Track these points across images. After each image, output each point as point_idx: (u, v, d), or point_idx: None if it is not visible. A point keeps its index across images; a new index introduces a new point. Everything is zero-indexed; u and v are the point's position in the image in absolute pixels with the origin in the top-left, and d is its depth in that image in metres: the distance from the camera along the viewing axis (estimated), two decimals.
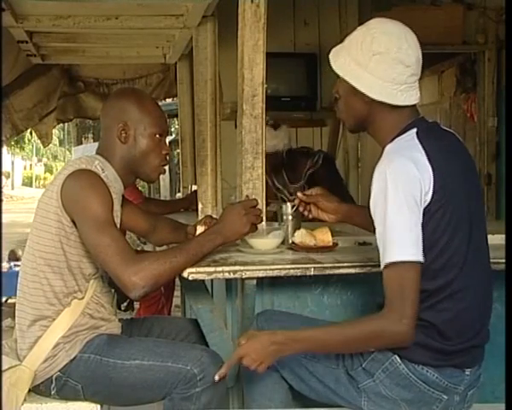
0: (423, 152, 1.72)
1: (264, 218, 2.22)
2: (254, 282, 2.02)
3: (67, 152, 33.30)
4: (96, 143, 2.30)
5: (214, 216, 2.51)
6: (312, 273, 1.98)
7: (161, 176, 2.29)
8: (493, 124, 4.13)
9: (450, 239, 1.72)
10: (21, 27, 3.39)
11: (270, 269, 1.97)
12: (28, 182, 40.36)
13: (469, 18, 4.04)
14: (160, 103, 3.00)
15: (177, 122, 7.98)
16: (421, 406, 1.79)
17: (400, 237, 1.67)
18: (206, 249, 1.98)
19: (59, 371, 2.00)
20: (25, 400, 1.99)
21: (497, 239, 2.10)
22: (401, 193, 1.67)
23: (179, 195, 5.10)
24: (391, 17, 1.85)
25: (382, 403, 1.81)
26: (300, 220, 2.35)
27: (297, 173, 3.69)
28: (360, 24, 1.87)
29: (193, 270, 1.93)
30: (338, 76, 1.85)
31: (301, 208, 2.28)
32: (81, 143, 23.29)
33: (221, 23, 3.17)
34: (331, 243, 2.21)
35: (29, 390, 2.01)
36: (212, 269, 1.95)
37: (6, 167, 32.00)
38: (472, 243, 1.76)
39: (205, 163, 3.21)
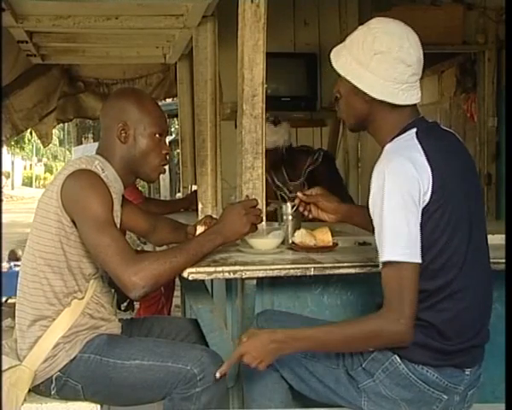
0: (422, 152, 1.73)
1: (264, 218, 2.22)
2: (254, 282, 2.02)
3: (67, 152, 33.30)
4: (96, 143, 2.30)
5: (214, 216, 2.51)
6: (312, 273, 1.98)
7: (161, 176, 2.29)
8: (493, 124, 4.13)
9: (449, 239, 1.72)
10: (21, 27, 3.39)
11: (270, 269, 1.97)
12: (28, 182, 40.36)
13: (469, 18, 4.04)
14: (160, 103, 3.00)
15: (177, 122, 7.98)
16: (421, 406, 1.79)
17: (397, 237, 1.67)
18: (206, 249, 1.98)
19: (59, 371, 2.00)
20: (25, 400, 1.99)
21: (497, 239, 2.10)
22: (399, 193, 1.67)
23: (179, 195, 5.10)
24: (391, 17, 1.85)
25: (382, 403, 1.81)
26: (300, 220, 2.35)
27: (297, 171, 3.69)
28: (360, 24, 1.87)
29: (193, 270, 1.93)
30: (339, 75, 1.85)
31: (301, 208, 2.28)
32: (81, 143, 23.28)
33: (221, 23, 3.17)
34: (331, 243, 2.21)
35: (29, 390, 2.01)
36: (212, 269, 1.95)
37: (6, 167, 32.01)
38: (472, 243, 1.76)
39: (205, 163, 3.21)
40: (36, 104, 4.99)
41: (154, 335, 2.27)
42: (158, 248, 2.66)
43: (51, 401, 2.03)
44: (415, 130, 1.78)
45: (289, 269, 1.99)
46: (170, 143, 11.23)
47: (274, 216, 2.43)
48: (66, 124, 18.78)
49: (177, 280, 2.51)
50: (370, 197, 1.74)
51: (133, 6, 3.13)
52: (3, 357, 2.01)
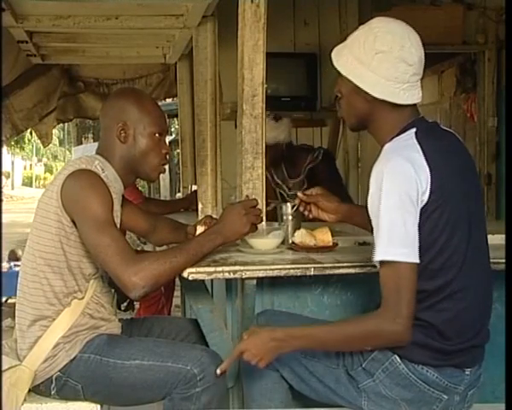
0: (421, 152, 1.73)
1: (264, 218, 2.22)
2: (254, 282, 2.02)
3: (67, 152, 33.30)
4: (96, 143, 2.30)
5: (214, 216, 2.51)
6: (312, 273, 1.98)
7: (161, 176, 2.29)
8: (493, 124, 4.12)
9: (448, 239, 1.72)
10: (21, 27, 3.39)
11: (270, 269, 1.98)
12: (28, 182, 40.36)
13: (469, 18, 4.03)
14: (160, 103, 3.00)
15: (177, 122, 7.98)
16: (421, 405, 1.79)
17: (394, 236, 1.67)
18: (206, 249, 1.98)
19: (59, 371, 2.00)
20: (25, 400, 1.99)
21: (497, 239, 2.10)
22: (396, 192, 1.67)
23: (179, 195, 5.10)
24: (391, 17, 1.85)
25: (382, 403, 1.81)
26: (300, 220, 2.35)
27: (297, 168, 3.69)
28: (360, 24, 1.87)
29: (193, 270, 1.93)
30: (340, 75, 1.85)
31: (301, 208, 2.28)
32: (81, 143, 23.27)
33: (221, 23, 3.17)
34: (331, 243, 2.21)
35: (29, 390, 2.01)
36: (212, 269, 1.95)
37: (6, 167, 32.02)
38: (471, 243, 1.76)
39: (205, 163, 3.21)
40: (36, 104, 4.99)
41: (154, 335, 2.27)
42: (158, 248, 2.66)
43: (51, 401, 2.03)
44: (414, 130, 1.78)
45: (289, 269, 1.99)
46: (170, 143, 11.23)
47: (274, 215, 2.42)
48: (66, 124, 18.78)
49: (177, 280, 2.51)
50: (369, 197, 1.74)
51: (133, 6, 3.13)
52: (3, 357, 2.01)
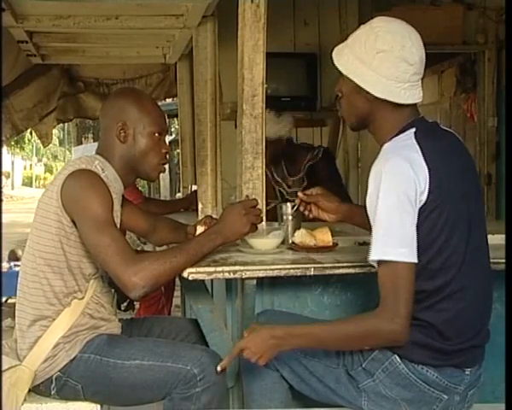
0: (420, 152, 1.73)
1: (264, 218, 2.22)
2: (254, 282, 2.02)
3: (67, 152, 33.30)
4: (96, 143, 2.30)
5: (214, 216, 2.51)
6: (312, 273, 1.98)
7: (161, 176, 2.30)
8: (493, 124, 4.12)
9: (447, 239, 1.72)
10: (21, 27, 3.39)
11: (270, 269, 1.98)
12: (28, 182, 40.36)
13: (469, 18, 4.03)
14: (160, 103, 3.00)
15: (177, 122, 7.98)
16: (421, 405, 1.79)
17: (392, 236, 1.67)
18: (206, 249, 1.98)
19: (59, 371, 2.00)
20: (25, 400, 1.99)
21: (497, 239, 2.10)
22: (395, 192, 1.67)
23: (179, 195, 5.10)
24: (391, 17, 1.85)
25: (382, 403, 1.81)
26: (300, 220, 2.35)
27: (296, 166, 3.69)
28: (360, 24, 1.87)
29: (193, 270, 1.93)
30: (341, 74, 1.85)
31: (302, 208, 2.28)
32: (81, 143, 23.28)
33: (221, 23, 3.17)
34: (331, 243, 2.21)
35: (29, 390, 2.01)
36: (212, 269, 1.95)
37: (6, 167, 32.02)
38: (470, 243, 1.76)
39: (205, 163, 3.21)
40: (36, 104, 4.99)
41: (154, 335, 2.27)
42: (158, 248, 2.66)
43: (51, 401, 2.03)
44: (413, 130, 1.78)
45: (289, 269, 1.99)
46: (170, 143, 11.23)
47: (274, 214, 2.43)
48: (66, 124, 18.78)
49: (177, 280, 2.51)
50: (367, 196, 1.75)
51: (133, 6, 3.13)
52: (3, 357, 2.01)
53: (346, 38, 1.87)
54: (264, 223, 2.22)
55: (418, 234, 1.68)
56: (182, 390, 1.95)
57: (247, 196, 2.26)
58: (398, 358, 1.77)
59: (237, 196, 2.34)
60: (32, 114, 5.01)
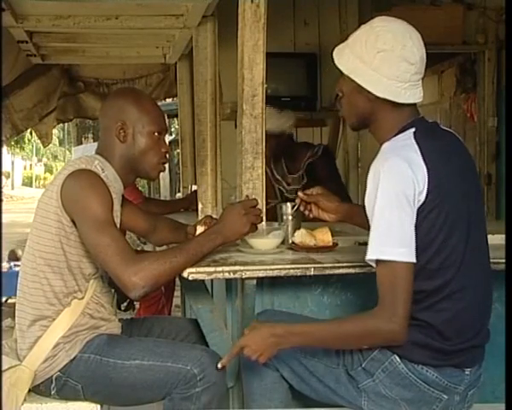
0: (419, 152, 1.73)
1: (264, 218, 2.22)
2: (254, 282, 2.03)
3: (67, 152, 33.30)
4: (96, 143, 2.30)
5: (214, 216, 2.51)
6: (312, 273, 1.98)
7: (161, 176, 2.31)
8: (493, 124, 4.13)
9: (446, 239, 1.72)
10: (21, 27, 3.39)
11: (270, 269, 1.98)
12: (28, 182, 40.37)
13: (469, 18, 4.04)
14: (159, 103, 3.00)
15: (177, 122, 7.98)
16: (421, 405, 1.79)
17: (390, 236, 1.67)
18: (206, 249, 1.98)
19: (59, 371, 2.00)
20: (25, 400, 1.99)
21: (497, 239, 2.10)
22: (393, 192, 1.67)
23: (179, 195, 5.10)
24: (391, 17, 1.85)
25: (382, 403, 1.81)
26: (300, 220, 2.35)
27: (296, 163, 3.68)
28: (360, 24, 1.87)
29: (193, 270, 1.93)
30: (341, 74, 1.85)
31: (302, 208, 2.28)
32: (81, 143, 23.27)
33: (221, 23, 3.17)
34: (331, 243, 2.21)
35: (29, 390, 2.01)
36: (212, 269, 1.95)
37: (6, 167, 32.03)
38: (470, 243, 1.76)
39: (205, 163, 3.21)
40: (36, 104, 4.99)
41: (154, 335, 2.27)
42: (158, 248, 2.66)
43: (51, 401, 2.03)
44: (413, 130, 1.78)
45: (289, 269, 1.99)
46: (170, 143, 11.22)
47: (274, 214, 2.42)
48: (66, 124, 18.78)
49: (177, 280, 2.51)
50: (366, 196, 1.75)
51: (133, 6, 3.13)
52: (3, 357, 2.01)
53: (346, 38, 1.87)
54: (264, 223, 2.22)
55: (417, 234, 1.68)
56: (182, 390, 1.95)
57: (247, 196, 2.26)
58: (397, 358, 1.77)
59: (237, 196, 2.34)
60: (32, 114, 5.01)
